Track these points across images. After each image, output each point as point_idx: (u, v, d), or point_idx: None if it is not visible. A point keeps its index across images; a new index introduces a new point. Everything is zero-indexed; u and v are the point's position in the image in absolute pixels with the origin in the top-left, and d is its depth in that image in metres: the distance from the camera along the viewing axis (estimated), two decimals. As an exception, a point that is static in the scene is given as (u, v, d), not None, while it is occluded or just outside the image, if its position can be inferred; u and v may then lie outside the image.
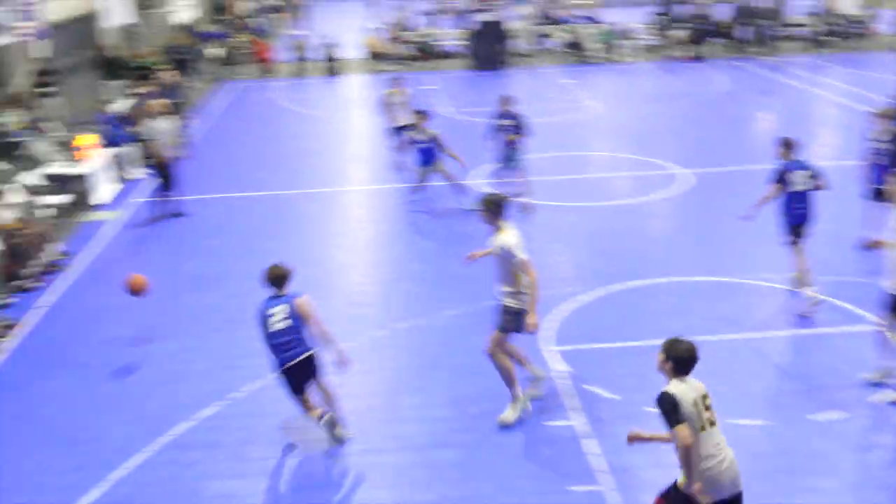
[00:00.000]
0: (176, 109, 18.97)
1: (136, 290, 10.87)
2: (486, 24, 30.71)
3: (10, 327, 11.18)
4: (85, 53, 26.70)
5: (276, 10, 47.72)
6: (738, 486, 5.94)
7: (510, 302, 8.52)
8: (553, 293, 11.54)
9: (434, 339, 10.56)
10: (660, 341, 6.03)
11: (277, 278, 8.45)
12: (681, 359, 5.90)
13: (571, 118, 22.79)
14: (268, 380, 9.62)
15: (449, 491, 7.70)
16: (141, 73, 25.83)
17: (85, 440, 8.68)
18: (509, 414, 8.73)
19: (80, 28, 26.56)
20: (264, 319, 8.31)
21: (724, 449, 5.92)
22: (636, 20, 35.45)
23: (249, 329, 10.79)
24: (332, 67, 30.34)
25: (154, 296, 11.23)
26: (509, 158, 15.45)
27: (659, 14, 36.58)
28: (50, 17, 21.66)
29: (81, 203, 16.00)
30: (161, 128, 15.39)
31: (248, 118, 24.56)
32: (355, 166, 19.05)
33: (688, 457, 5.72)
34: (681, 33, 32.45)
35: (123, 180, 17.58)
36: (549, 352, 10.07)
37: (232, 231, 14.81)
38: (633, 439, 6.38)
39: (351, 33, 38.00)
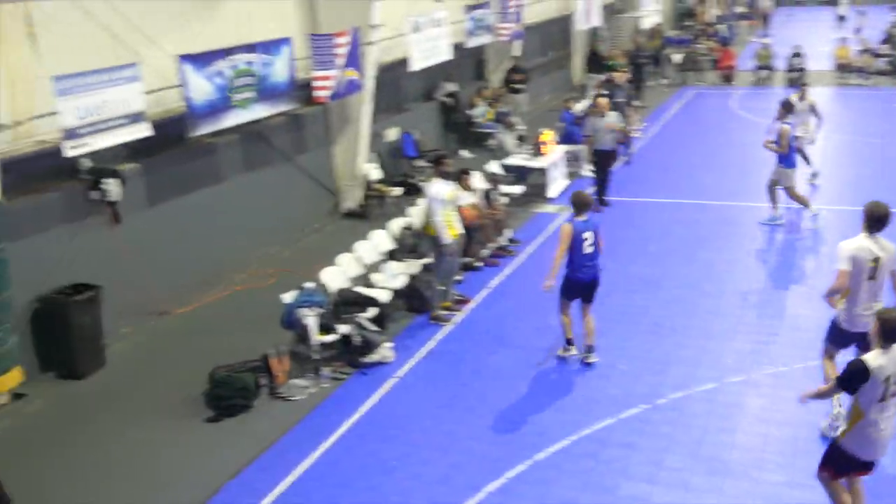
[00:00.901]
0: (620, 109, 19.44)
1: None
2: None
3: (462, 302, 12.22)
4: (554, 53, 28.24)
5: (742, 17, 46.58)
6: (882, 455, 6.67)
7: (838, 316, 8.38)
8: None
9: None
10: None
11: (582, 204, 10.00)
12: (888, 329, 6.31)
13: None
14: (693, 391, 9.57)
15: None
16: (607, 74, 26.72)
17: (513, 418, 9.25)
18: None
19: (552, 29, 28.13)
20: (581, 240, 9.87)
21: (890, 420, 6.49)
22: None
23: (678, 336, 10.92)
24: (796, 78, 28.91)
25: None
26: None
27: None
28: (528, 19, 23.19)
29: (536, 195, 16.98)
30: (601, 125, 16.07)
31: (703, 124, 24.32)
32: (809, 182, 18.01)
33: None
34: None
35: (574, 176, 18.28)
36: None
37: (674, 236, 14.79)
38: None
39: (819, 43, 35.99)
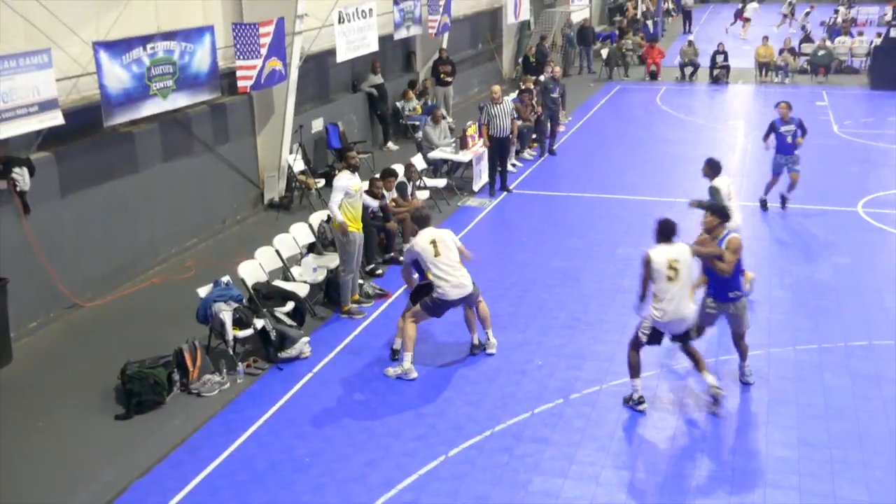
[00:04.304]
0: (556, 103, 19.88)
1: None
2: (892, 39, 28.11)
3: (382, 296, 12.20)
4: (483, 46, 28.30)
5: (668, 14, 47.24)
6: None
7: None
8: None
9: (786, 372, 9.97)
10: None
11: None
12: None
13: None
14: (606, 385, 9.70)
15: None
16: (528, 67, 26.94)
17: (429, 413, 9.26)
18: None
19: (482, 22, 28.18)
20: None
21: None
22: None
23: (594, 331, 11.06)
24: (719, 75, 29.51)
25: (508, 287, 11.70)
26: None
27: None
28: (455, 12, 23.18)
29: (461, 188, 17.03)
30: (496, 112, 16.66)
31: (627, 119, 24.60)
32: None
33: None
34: None
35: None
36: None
37: (594, 231, 14.95)
38: None
39: (741, 41, 36.74)
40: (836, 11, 42.19)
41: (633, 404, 9.23)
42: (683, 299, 8.83)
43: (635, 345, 9.18)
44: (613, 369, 10.05)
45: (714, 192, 11.85)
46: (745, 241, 14.26)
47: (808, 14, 41.26)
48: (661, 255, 8.84)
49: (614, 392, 9.58)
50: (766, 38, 30.76)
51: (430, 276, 9.87)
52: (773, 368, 10.03)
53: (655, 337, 9.09)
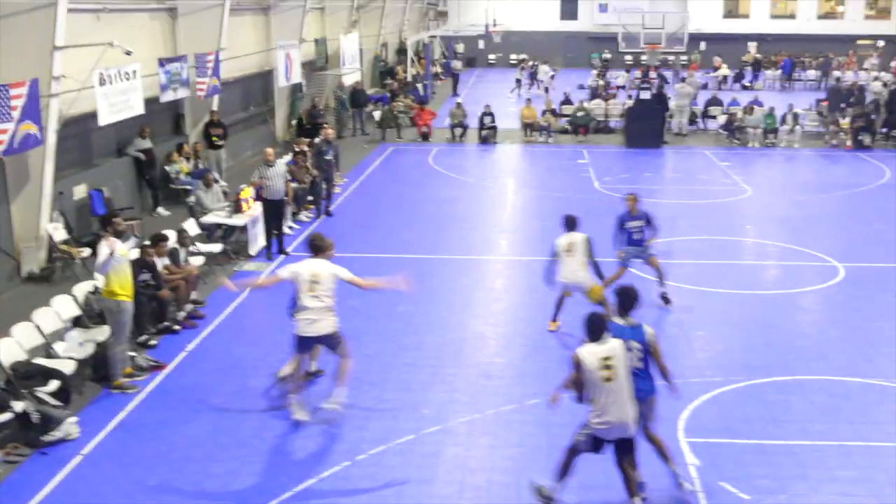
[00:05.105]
0: (331, 165, 20.03)
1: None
2: (642, 101, 30.45)
3: (157, 368, 11.64)
4: (255, 108, 28.06)
5: (437, 77, 48.84)
6: None
7: None
8: (691, 382, 11.14)
9: (564, 419, 10.27)
10: (804, 442, 5.70)
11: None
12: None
13: (724, 202, 22.17)
14: (392, 444, 9.66)
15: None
16: (302, 130, 27.00)
17: (209, 490, 8.86)
18: None
19: (253, 84, 27.97)
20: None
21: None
22: (803, 106, 34.27)
23: (378, 390, 11.03)
24: (487, 136, 30.71)
25: (289, 351, 11.45)
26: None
27: (825, 100, 35.39)
28: (225, 74, 22.86)
29: (237, 252, 16.65)
30: (270, 174, 16.63)
31: (401, 179, 25.03)
32: (500, 235, 19.06)
33: None
34: (846, 121, 31.14)
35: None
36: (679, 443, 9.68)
37: (373, 292, 14.91)
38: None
39: (507, 103, 38.49)
40: (593, 75, 45.06)
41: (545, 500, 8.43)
42: (624, 401, 8.01)
43: (572, 450, 8.33)
44: (398, 427, 10.05)
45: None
46: (508, 297, 14.88)
47: (552, 77, 44.04)
48: (591, 354, 8.02)
49: (400, 450, 9.56)
50: (529, 101, 32.43)
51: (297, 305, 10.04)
52: (555, 415, 10.33)
53: (595, 445, 8.20)
